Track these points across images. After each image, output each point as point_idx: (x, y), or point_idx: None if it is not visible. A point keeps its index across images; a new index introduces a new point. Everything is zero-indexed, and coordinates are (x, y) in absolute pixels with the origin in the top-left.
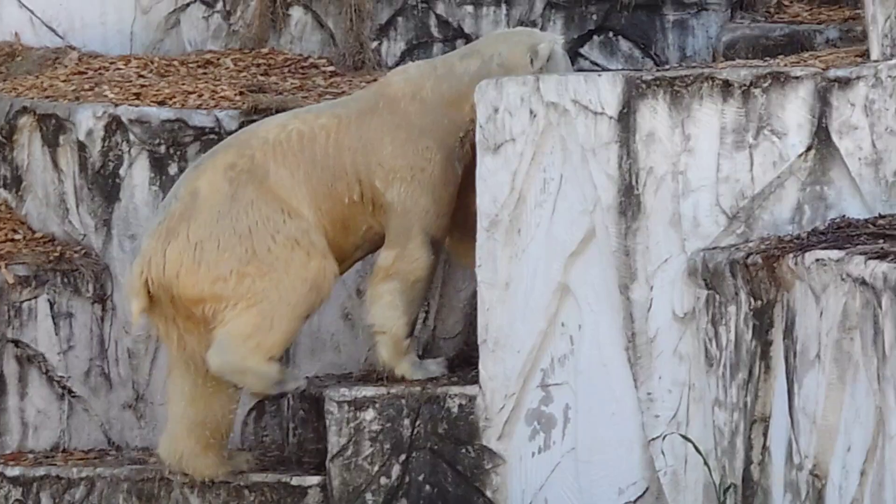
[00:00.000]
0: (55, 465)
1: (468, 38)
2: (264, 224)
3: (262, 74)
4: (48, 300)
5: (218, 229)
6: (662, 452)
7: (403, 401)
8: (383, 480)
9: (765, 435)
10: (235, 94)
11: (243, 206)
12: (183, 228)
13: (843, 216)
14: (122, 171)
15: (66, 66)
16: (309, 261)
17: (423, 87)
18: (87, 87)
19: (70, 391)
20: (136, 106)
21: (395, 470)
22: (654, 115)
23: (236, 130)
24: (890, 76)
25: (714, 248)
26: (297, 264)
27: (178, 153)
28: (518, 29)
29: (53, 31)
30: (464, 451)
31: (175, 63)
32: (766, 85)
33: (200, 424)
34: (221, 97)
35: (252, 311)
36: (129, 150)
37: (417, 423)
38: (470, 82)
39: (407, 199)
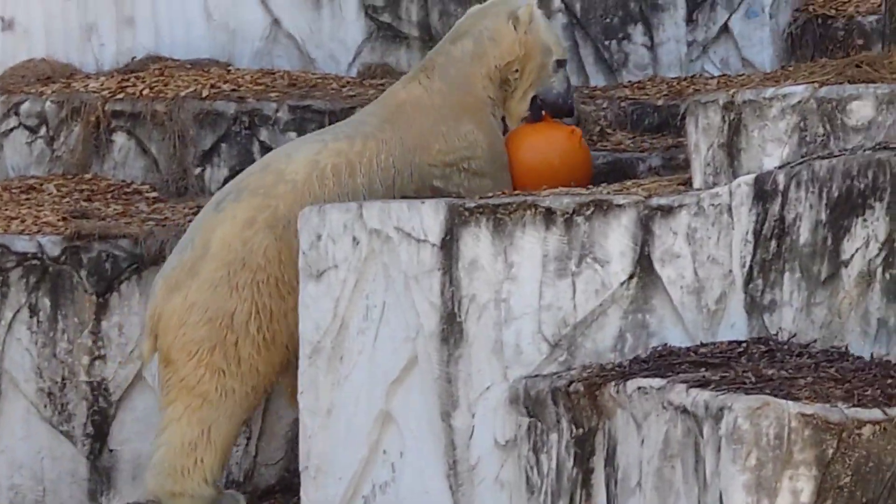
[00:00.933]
0: None
1: None
2: (247, 316)
3: (85, 200)
4: None
5: (212, 298)
6: None
7: None
8: None
9: None
10: (58, 220)
11: (243, 280)
12: (186, 285)
13: (665, 344)
14: None
15: None
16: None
17: (434, 80)
18: None
19: None
20: None
21: None
22: (476, 242)
23: (59, 256)
24: (712, 204)
25: (536, 376)
26: (250, 378)
27: (1, 279)
28: (491, 2)
29: None
30: None
31: None
32: (588, 213)
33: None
34: (44, 223)
35: (193, 418)
36: None
37: None
38: (471, 61)
39: (471, 188)
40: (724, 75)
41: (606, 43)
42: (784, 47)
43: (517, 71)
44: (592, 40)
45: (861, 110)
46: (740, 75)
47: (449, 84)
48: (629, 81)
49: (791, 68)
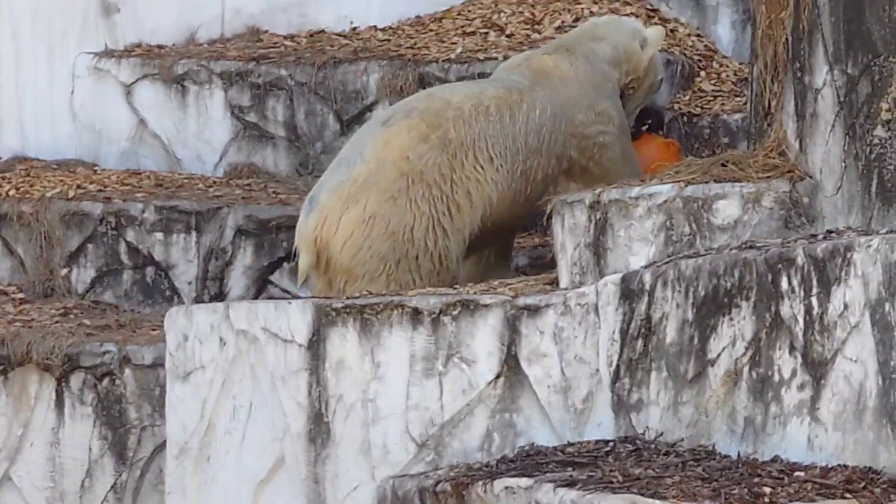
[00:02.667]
0: None
1: (158, 265)
2: (425, 231)
3: None
4: None
5: (393, 210)
6: None
7: None
8: None
9: None
10: None
11: (420, 194)
12: (363, 197)
13: (533, 444)
14: None
15: None
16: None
17: (578, 60)
18: None
19: None
20: None
21: None
22: (343, 342)
23: None
24: (579, 304)
25: (404, 476)
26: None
27: None
28: (617, 17)
29: None
30: None
31: None
32: (455, 313)
33: None
34: None
35: None
36: None
37: None
38: (608, 64)
39: (604, 160)
40: None
41: None
42: None
43: (634, 88)
44: None
45: (727, 209)
46: None
47: (592, 67)
48: None
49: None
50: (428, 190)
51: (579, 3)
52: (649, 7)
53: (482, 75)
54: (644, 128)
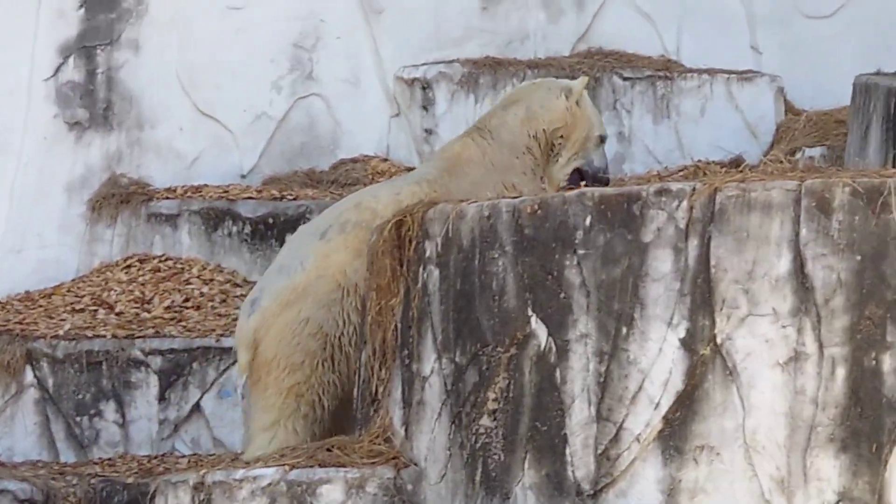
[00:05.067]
0: None
1: None
2: (350, 338)
3: None
4: None
5: (326, 316)
6: None
7: None
8: None
9: None
10: None
11: (352, 305)
12: (300, 303)
13: None
14: None
15: None
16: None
17: (486, 140)
18: None
19: None
20: None
21: None
22: None
23: None
24: None
25: None
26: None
27: None
28: (540, 80)
29: None
30: None
31: None
32: None
33: None
34: None
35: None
36: None
37: None
38: (521, 124)
39: None
40: (194, 454)
41: (77, 419)
42: None
43: (562, 137)
44: (64, 416)
45: (331, 494)
46: (211, 455)
47: (500, 144)
48: (100, 458)
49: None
50: (356, 301)
51: (189, 284)
52: None
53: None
54: (583, 183)
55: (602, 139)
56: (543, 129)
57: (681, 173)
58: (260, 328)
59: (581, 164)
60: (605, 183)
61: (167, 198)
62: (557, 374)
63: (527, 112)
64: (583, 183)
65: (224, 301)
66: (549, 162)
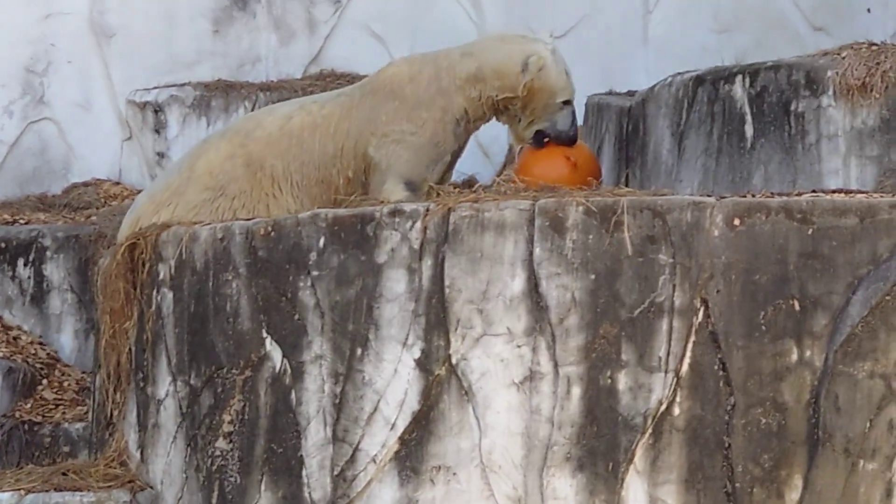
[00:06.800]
0: None
1: None
2: None
3: None
4: None
5: (192, 218)
6: None
7: None
8: None
9: None
10: None
11: (221, 206)
12: (172, 203)
13: None
14: None
15: None
16: None
17: (422, 73)
18: None
19: None
20: None
21: None
22: None
23: None
24: None
25: None
26: None
27: None
28: (514, 35)
29: None
30: None
31: None
32: None
33: None
34: None
35: None
36: None
37: None
38: (465, 81)
39: (391, 155)
40: None
41: None
42: None
43: (518, 106)
44: None
45: None
46: None
47: (432, 85)
48: None
49: None
50: (229, 203)
51: None
52: None
53: None
54: (546, 140)
55: (566, 102)
56: (489, 96)
57: None
58: (137, 227)
59: (545, 127)
60: (571, 142)
61: None
62: (293, 395)
63: (477, 70)
64: (546, 140)
65: None
66: (511, 121)
